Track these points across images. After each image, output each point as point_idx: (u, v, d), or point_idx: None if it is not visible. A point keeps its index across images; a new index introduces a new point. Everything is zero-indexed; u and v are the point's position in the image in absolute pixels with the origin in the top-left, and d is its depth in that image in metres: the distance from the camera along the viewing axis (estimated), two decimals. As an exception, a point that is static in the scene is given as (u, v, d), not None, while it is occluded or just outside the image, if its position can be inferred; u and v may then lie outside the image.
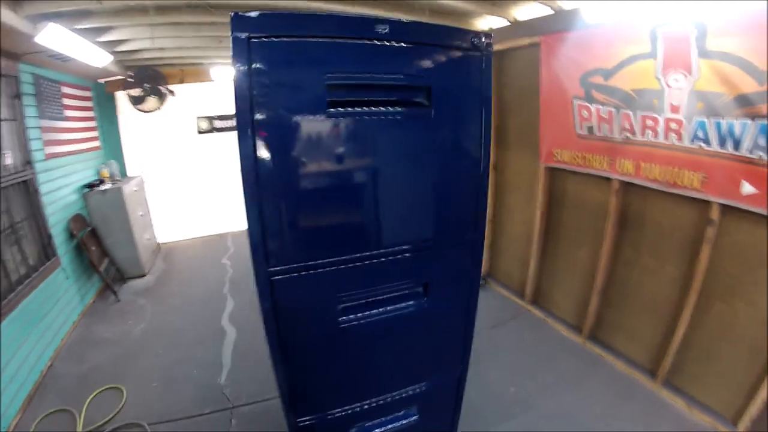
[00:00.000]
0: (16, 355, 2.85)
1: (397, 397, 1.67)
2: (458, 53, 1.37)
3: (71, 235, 4.04)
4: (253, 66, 1.10)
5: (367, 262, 1.41)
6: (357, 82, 1.25)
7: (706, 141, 2.33)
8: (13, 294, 2.91)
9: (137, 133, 5.87)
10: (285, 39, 1.12)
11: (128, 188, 4.97)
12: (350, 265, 1.39)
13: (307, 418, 1.53)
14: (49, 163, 3.79)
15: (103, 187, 4.67)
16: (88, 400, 2.89)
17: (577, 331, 3.46)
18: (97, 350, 3.53)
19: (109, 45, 3.73)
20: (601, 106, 2.92)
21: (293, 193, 1.26)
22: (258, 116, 1.14)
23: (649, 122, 2.63)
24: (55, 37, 2.86)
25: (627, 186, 2.92)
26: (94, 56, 3.58)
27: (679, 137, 2.47)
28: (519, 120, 3.88)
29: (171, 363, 3.36)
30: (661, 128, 2.56)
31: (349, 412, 1.59)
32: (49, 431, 2.62)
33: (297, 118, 1.20)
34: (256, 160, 1.16)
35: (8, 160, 3.18)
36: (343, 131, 1.27)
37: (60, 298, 3.65)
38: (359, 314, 1.46)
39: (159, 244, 6.19)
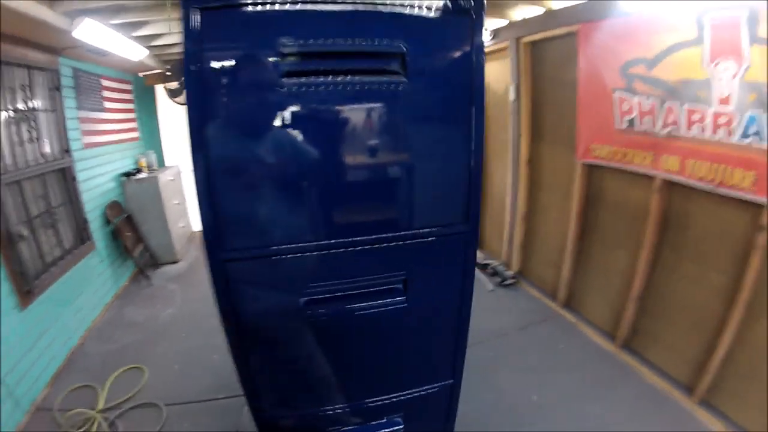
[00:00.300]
0: (48, 332, 3.00)
1: (378, 404, 1.56)
2: (440, 15, 1.22)
3: (107, 221, 4.23)
4: (205, 37, 1.04)
5: (335, 251, 1.30)
6: (318, 50, 1.14)
7: (759, 137, 2.08)
8: (46, 274, 3.07)
9: (176, 125, 6.07)
10: (239, 8, 1.05)
11: (164, 177, 5.15)
12: (315, 253, 1.29)
13: (274, 415, 1.46)
14: (87, 152, 3.97)
15: (139, 176, 4.86)
16: (111, 378, 3.01)
17: (610, 339, 3.24)
18: (127, 331, 3.68)
19: (145, 39, 3.84)
20: (643, 98, 2.69)
21: (249, 172, 1.18)
22: (210, 90, 1.08)
23: (696, 115, 2.39)
24: (91, 32, 2.95)
25: (670, 185, 2.67)
26: (130, 50, 3.69)
27: (729, 132, 2.22)
28: (555, 113, 3.67)
29: (194, 347, 3.43)
30: (708, 122, 2.32)
31: (321, 414, 1.50)
32: (73, 406, 2.73)
33: (252, 90, 1.12)
34: (207, 136, 1.10)
35: (47, 148, 3.35)
36: (304, 105, 1.16)
37: (94, 280, 3.83)
38: (327, 309, 1.36)
39: (193, 231, 6.39)
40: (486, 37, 4.07)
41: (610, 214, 3.25)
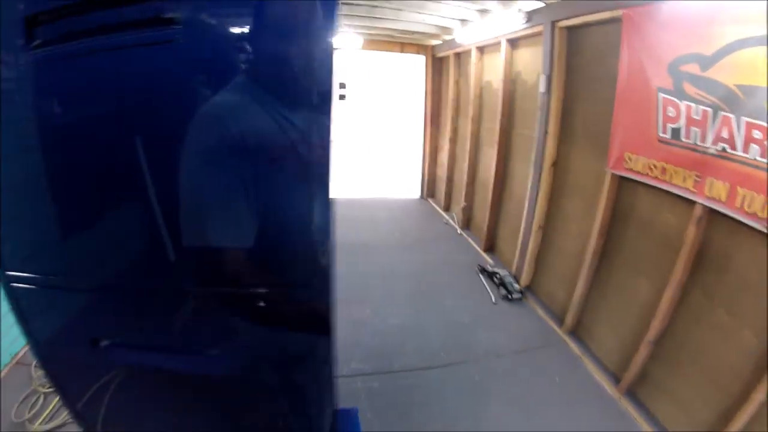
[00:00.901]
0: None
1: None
2: None
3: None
4: None
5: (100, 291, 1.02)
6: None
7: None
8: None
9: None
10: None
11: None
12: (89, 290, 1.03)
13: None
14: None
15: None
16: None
17: (615, 381, 2.82)
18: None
19: None
20: (693, 104, 2.19)
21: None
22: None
23: (756, 133, 1.89)
24: None
25: (712, 214, 2.18)
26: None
27: (796, 161, 1.73)
28: (590, 112, 3.17)
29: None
30: (771, 143, 1.83)
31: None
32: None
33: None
34: None
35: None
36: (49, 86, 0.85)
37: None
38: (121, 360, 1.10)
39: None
40: (519, 19, 3.56)
41: (638, 237, 2.78)
